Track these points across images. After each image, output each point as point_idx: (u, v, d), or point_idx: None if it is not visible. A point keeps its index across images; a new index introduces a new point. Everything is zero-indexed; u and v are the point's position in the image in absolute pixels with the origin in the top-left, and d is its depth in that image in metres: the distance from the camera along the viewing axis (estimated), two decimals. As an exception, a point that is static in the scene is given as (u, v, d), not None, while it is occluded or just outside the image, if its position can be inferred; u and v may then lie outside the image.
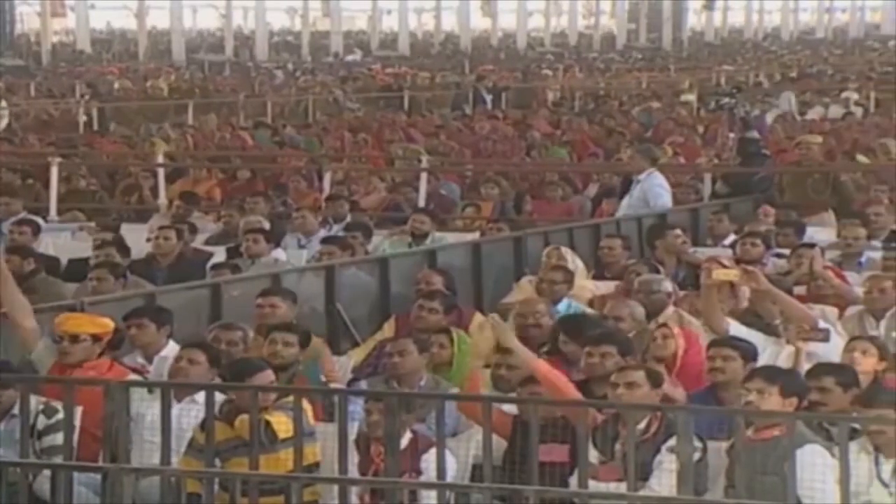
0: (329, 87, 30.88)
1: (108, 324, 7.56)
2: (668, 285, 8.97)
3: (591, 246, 11.29)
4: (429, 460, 6.54)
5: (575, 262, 10.10)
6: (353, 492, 6.37)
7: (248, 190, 14.86)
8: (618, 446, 6.50)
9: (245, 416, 6.50)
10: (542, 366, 6.96)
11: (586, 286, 9.92)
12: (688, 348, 7.73)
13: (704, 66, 39.69)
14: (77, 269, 10.49)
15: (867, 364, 7.45)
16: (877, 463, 6.38)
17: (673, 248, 10.63)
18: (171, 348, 7.76)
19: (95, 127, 23.20)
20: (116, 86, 32.27)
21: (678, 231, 10.85)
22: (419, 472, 6.65)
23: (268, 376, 6.88)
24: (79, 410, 6.76)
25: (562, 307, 9.10)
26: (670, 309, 8.63)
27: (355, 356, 8.76)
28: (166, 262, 10.77)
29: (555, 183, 14.78)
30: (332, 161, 16.94)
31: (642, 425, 6.54)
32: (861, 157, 16.03)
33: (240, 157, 18.00)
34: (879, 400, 6.57)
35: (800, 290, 9.59)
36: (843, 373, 6.98)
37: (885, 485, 6.31)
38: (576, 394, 6.89)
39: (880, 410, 6.47)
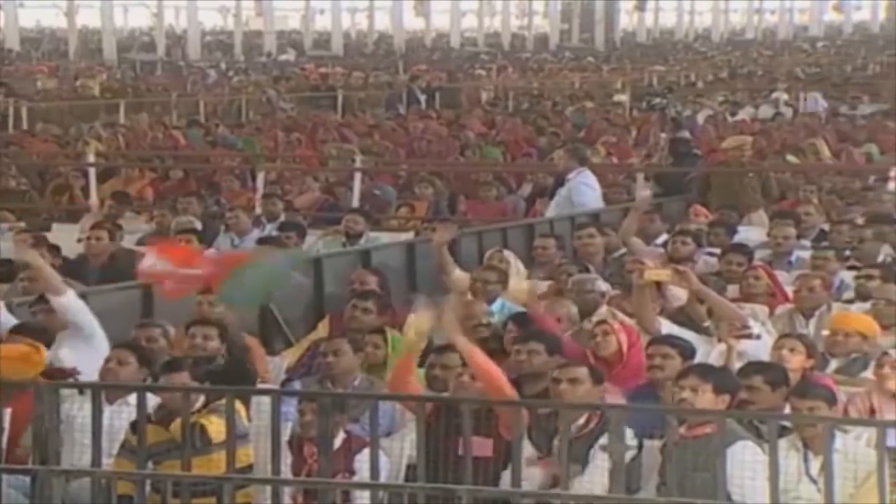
0: (262, 87, 30.76)
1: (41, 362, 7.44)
2: (602, 285, 9.02)
3: (525, 246, 11.32)
4: (362, 460, 6.53)
5: (517, 266, 10.12)
6: (286, 493, 6.34)
7: (180, 190, 14.78)
8: (555, 442, 6.53)
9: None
10: (480, 359, 6.97)
11: (522, 287, 9.94)
12: (631, 345, 7.77)
13: (637, 66, 39.92)
14: (6, 270, 10.37)
15: (795, 361, 7.55)
16: (805, 460, 6.45)
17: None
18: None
19: (13, 127, 22.91)
20: (40, 85, 31.92)
21: (592, 230, 10.91)
22: (352, 473, 6.64)
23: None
24: (7, 412, 6.69)
25: (496, 307, 9.12)
26: (603, 308, 8.67)
27: (289, 356, 8.74)
28: (98, 263, 10.68)
29: (489, 183, 14.82)
30: (265, 161, 16.88)
31: (581, 420, 6.59)
32: (791, 157, 16.19)
33: (172, 157, 17.90)
34: (809, 396, 6.65)
35: (733, 288, 9.68)
36: (772, 371, 7.05)
37: (814, 481, 6.39)
38: (512, 391, 6.92)
39: (811, 402, 6.54)
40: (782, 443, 6.22)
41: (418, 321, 7.07)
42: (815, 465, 6.41)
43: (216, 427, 6.49)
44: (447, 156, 17.89)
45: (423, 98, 27.05)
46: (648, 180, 14.44)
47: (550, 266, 10.33)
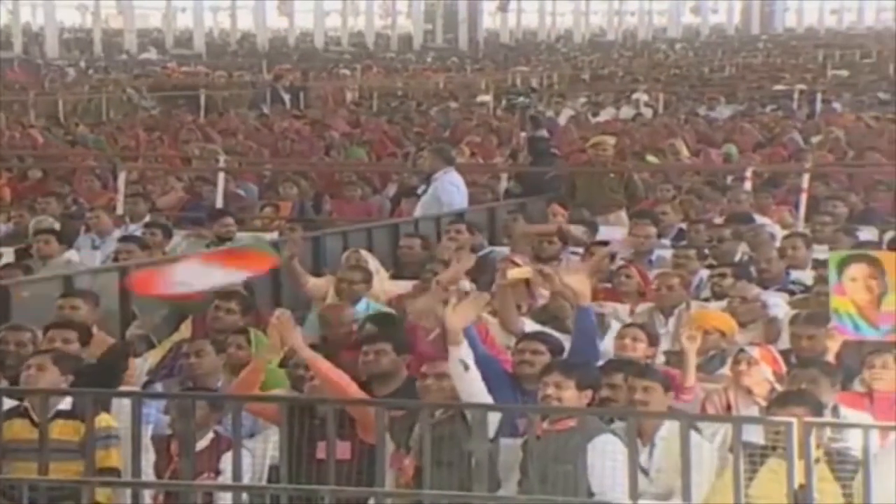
0: (122, 86, 30.36)
1: None
2: (466, 284, 9.06)
3: (391, 245, 11.34)
4: (228, 461, 6.50)
5: (376, 266, 10.13)
6: (148, 494, 6.29)
7: (39, 190, 14.54)
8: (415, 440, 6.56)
9: (60, 421, 6.40)
10: (322, 365, 6.98)
11: (385, 288, 9.95)
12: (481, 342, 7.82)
13: (500, 67, 40.17)
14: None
15: (639, 350, 7.71)
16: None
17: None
18: None
19: None
20: None
21: (460, 227, 10.98)
22: (219, 473, 6.61)
23: None
24: None
25: (360, 307, 9.12)
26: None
27: (151, 358, 8.64)
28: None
29: (353, 183, 14.81)
30: (126, 160, 16.67)
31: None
32: (651, 157, 16.42)
33: (30, 157, 17.58)
34: (647, 376, 6.81)
35: (604, 286, 9.82)
36: (633, 369, 7.16)
37: (644, 471, 6.52)
38: (358, 392, 6.94)
39: (647, 382, 6.72)
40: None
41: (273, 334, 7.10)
42: (644, 455, 6.55)
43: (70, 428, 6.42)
44: (311, 156, 17.83)
45: (287, 98, 26.94)
46: (510, 180, 14.57)
47: (417, 265, 10.37)
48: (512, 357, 7.52)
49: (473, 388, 6.70)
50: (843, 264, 7.61)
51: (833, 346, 7.64)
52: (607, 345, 8.00)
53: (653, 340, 7.94)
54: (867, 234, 11.44)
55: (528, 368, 7.32)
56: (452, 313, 6.78)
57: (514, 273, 8.31)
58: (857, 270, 7.51)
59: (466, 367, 6.71)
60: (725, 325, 8.40)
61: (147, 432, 6.55)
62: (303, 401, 6.89)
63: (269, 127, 21.45)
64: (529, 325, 8.28)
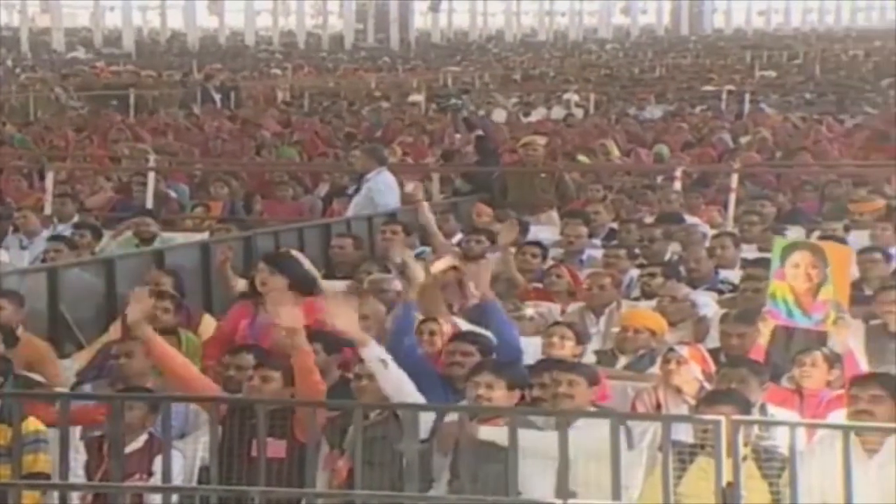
0: (50, 85, 30.07)
1: None
2: (398, 283, 9.07)
3: (322, 245, 11.32)
4: (161, 462, 6.47)
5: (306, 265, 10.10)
6: (76, 496, 6.25)
7: (-35, 190, 14.38)
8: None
9: None
10: (162, 350, 7.04)
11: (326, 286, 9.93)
12: None
13: (432, 66, 40.21)
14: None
15: (566, 349, 7.77)
16: None
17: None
18: None
19: None
20: None
21: (396, 227, 10.99)
22: (151, 474, 6.58)
23: None
24: None
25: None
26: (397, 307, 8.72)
27: (80, 359, 8.58)
28: None
29: (285, 182, 14.77)
30: (55, 160, 16.52)
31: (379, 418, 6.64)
32: (582, 157, 16.50)
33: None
34: (574, 371, 6.88)
35: (535, 286, 9.87)
36: (561, 366, 7.19)
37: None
38: (213, 387, 6.97)
39: (573, 376, 6.78)
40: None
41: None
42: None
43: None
44: (242, 155, 17.76)
45: (217, 97, 26.81)
46: (448, 180, 14.60)
47: (349, 265, 10.36)
48: (443, 358, 7.54)
49: (397, 384, 6.70)
50: (787, 251, 7.72)
51: (765, 332, 7.73)
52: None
53: (580, 339, 7.99)
54: (794, 233, 11.55)
55: (458, 370, 7.33)
56: (335, 319, 6.77)
57: (438, 265, 8.32)
58: (801, 257, 7.63)
59: (386, 364, 6.72)
60: (655, 325, 8.46)
61: (76, 433, 6.51)
62: (237, 401, 6.86)
63: (199, 126, 21.34)
64: (462, 325, 8.29)
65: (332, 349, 7.39)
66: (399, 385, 6.71)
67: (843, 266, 7.69)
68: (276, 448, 6.55)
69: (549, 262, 10.41)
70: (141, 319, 7.06)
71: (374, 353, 6.74)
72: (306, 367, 6.80)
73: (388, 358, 6.77)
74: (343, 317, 6.77)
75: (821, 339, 7.64)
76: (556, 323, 8.28)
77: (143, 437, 6.65)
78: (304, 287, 8.00)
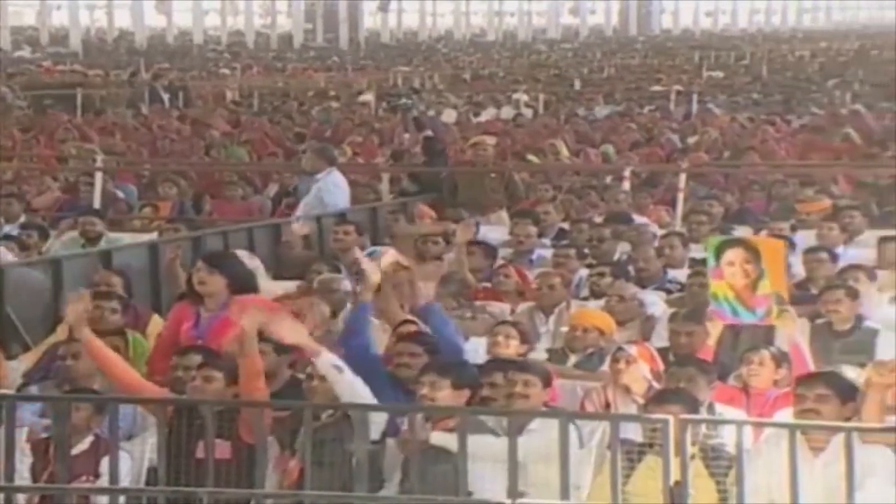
0: (-5, 84, 29.81)
1: None
2: (348, 284, 9.06)
3: (271, 245, 11.29)
4: (108, 463, 6.44)
5: (253, 263, 10.08)
6: (22, 498, 6.20)
7: None
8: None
9: None
10: (101, 352, 7.05)
11: (268, 288, 9.91)
12: None
13: (382, 66, 40.17)
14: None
15: (511, 347, 7.79)
16: None
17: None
18: None
19: None
20: None
21: (348, 227, 10.98)
22: (98, 476, 6.55)
23: None
24: None
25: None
26: (348, 307, 8.72)
27: (26, 360, 8.51)
28: None
29: (234, 182, 14.71)
30: (1, 160, 16.38)
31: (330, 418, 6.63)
32: (531, 157, 16.54)
33: None
34: (529, 370, 6.89)
35: (484, 285, 9.88)
36: (514, 366, 7.20)
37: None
38: (155, 389, 6.95)
39: (528, 376, 6.78)
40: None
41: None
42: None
43: None
44: (191, 155, 17.68)
45: (166, 97, 26.67)
46: (397, 180, 14.59)
47: (298, 265, 10.34)
48: (393, 358, 7.54)
49: (351, 388, 6.70)
50: (720, 249, 7.80)
51: (713, 332, 7.78)
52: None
53: (525, 338, 8.01)
54: (742, 233, 11.62)
55: (405, 371, 7.35)
56: (284, 334, 6.75)
57: (385, 260, 8.32)
58: (734, 255, 7.73)
59: (340, 370, 6.72)
60: (604, 324, 8.50)
61: (22, 435, 6.46)
62: (184, 402, 6.83)
63: (147, 126, 21.22)
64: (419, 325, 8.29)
65: (283, 349, 7.37)
66: (353, 389, 6.71)
67: (776, 259, 7.83)
68: (222, 449, 6.53)
69: (499, 262, 10.44)
70: (80, 321, 7.02)
71: (327, 361, 6.74)
72: (252, 373, 6.79)
73: (342, 363, 6.77)
74: (292, 331, 6.75)
75: (768, 333, 7.70)
76: (502, 322, 8.30)
77: (90, 439, 6.62)
78: (242, 287, 7.95)
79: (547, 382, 6.89)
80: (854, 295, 8.57)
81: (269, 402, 6.77)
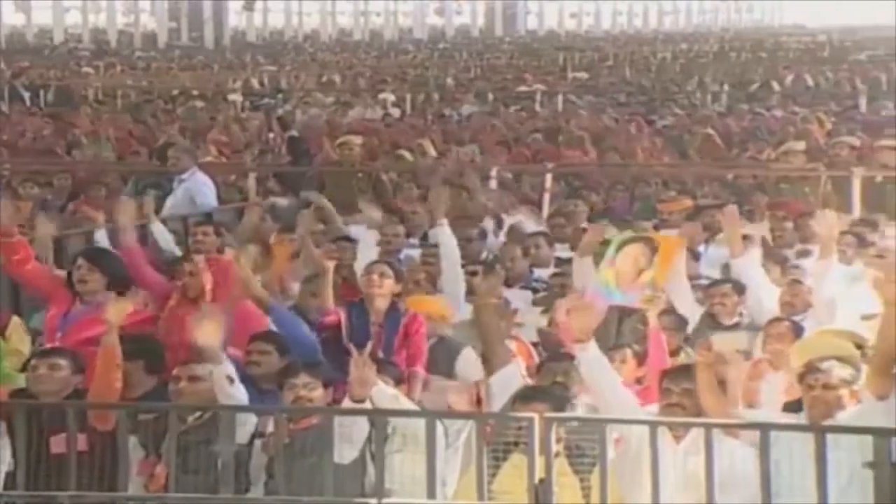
0: None
1: None
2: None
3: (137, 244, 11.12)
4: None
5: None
6: None
7: None
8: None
9: None
10: None
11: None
12: None
13: (247, 66, 39.89)
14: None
15: (386, 287, 7.99)
16: None
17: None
18: None
19: None
20: None
21: (207, 228, 10.86)
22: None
23: None
24: None
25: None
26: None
27: None
28: None
29: (99, 182, 14.49)
30: None
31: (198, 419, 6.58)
32: (404, 153, 16.51)
33: None
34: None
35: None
36: (386, 369, 7.20)
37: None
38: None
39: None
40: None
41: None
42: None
43: None
44: (53, 154, 17.38)
45: (26, 95, 26.21)
46: (262, 180, 14.50)
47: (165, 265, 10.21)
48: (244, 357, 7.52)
49: (239, 401, 6.69)
50: (624, 244, 8.33)
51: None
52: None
53: (399, 276, 8.14)
54: (608, 232, 11.74)
55: (256, 369, 7.36)
56: (199, 333, 6.73)
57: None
58: (633, 248, 8.19)
59: (231, 381, 6.73)
60: (436, 310, 8.42)
61: None
62: (41, 405, 6.71)
63: (7, 125, 20.82)
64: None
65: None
66: (233, 400, 6.69)
67: (670, 254, 8.11)
68: (78, 441, 6.43)
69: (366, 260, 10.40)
70: None
71: (224, 371, 6.73)
72: (111, 365, 6.72)
73: (234, 375, 6.74)
74: (207, 333, 6.69)
75: (642, 321, 7.81)
76: (375, 262, 8.47)
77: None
78: (121, 285, 7.90)
79: (399, 381, 6.93)
80: (741, 290, 8.74)
81: (129, 405, 6.68)
